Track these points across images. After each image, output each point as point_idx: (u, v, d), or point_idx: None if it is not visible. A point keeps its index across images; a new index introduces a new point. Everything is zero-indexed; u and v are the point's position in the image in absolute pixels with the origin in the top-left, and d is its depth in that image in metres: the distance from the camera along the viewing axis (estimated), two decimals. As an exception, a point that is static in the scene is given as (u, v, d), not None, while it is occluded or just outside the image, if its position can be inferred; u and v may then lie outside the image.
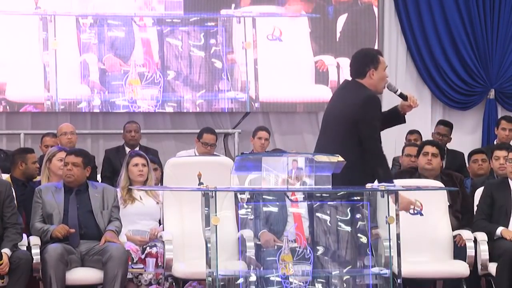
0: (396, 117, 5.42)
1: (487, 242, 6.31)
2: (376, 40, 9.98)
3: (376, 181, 5.00)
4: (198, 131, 8.66)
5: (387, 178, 5.02)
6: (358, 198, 4.95)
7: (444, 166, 8.09)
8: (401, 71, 10.17)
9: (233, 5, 9.77)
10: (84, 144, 9.41)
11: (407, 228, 5.78)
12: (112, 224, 6.25)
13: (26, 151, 7.22)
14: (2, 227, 5.99)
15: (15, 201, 6.13)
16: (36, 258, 5.93)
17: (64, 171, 6.32)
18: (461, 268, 6.20)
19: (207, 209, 4.64)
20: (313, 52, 9.84)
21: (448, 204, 6.62)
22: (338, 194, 4.97)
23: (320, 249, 4.95)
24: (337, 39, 9.89)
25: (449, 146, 9.12)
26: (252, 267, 4.94)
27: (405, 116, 5.50)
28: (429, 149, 6.99)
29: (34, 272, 5.93)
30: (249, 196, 4.88)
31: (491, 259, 6.25)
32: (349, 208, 4.98)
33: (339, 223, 5.00)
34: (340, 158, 4.72)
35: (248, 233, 5.18)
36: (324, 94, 9.83)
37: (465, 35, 9.99)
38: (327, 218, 5.00)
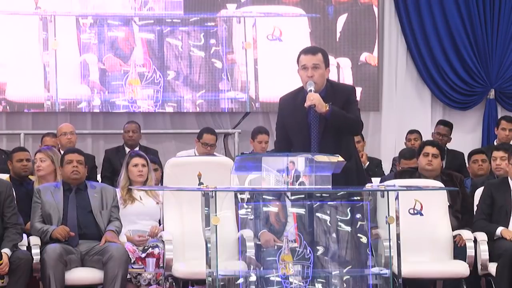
0: None
1: (487, 242, 6.31)
2: (376, 40, 9.98)
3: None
4: (198, 131, 8.66)
5: None
6: (358, 198, 4.95)
7: (444, 166, 8.09)
8: (401, 71, 10.17)
9: (233, 5, 9.79)
10: (84, 144, 9.42)
11: (407, 228, 5.79)
12: (112, 224, 6.26)
13: (14, 150, 7.30)
14: (3, 227, 5.99)
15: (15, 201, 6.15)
16: (36, 258, 5.93)
17: (69, 169, 6.33)
18: (461, 268, 6.20)
19: (207, 209, 4.64)
20: (313, 52, 9.82)
21: (448, 204, 6.62)
22: (338, 194, 4.97)
23: (320, 249, 4.95)
24: (337, 39, 9.90)
25: (449, 146, 9.12)
26: (252, 267, 4.94)
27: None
28: (430, 149, 6.99)
29: (34, 272, 5.94)
30: (249, 196, 4.88)
31: (491, 259, 6.25)
32: (349, 208, 4.98)
33: (339, 223, 5.00)
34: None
35: (248, 233, 5.17)
36: (324, 94, 9.83)
37: (465, 35, 10.00)
38: (327, 218, 5.00)
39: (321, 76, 5.41)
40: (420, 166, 7.02)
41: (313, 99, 5.22)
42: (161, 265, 6.22)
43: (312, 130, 5.37)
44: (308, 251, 4.85)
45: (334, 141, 5.32)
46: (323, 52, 5.51)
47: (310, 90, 5.28)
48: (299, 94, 5.46)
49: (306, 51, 5.52)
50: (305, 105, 5.25)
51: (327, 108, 5.23)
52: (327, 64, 5.48)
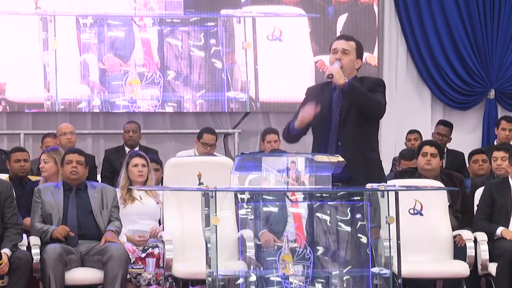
0: None
1: (487, 242, 6.31)
2: (376, 40, 9.98)
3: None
4: (198, 131, 8.66)
5: None
6: (358, 198, 4.95)
7: (444, 166, 8.09)
8: (401, 71, 10.17)
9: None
10: (84, 144, 9.42)
11: (407, 228, 5.79)
12: (112, 224, 6.26)
13: (12, 150, 7.33)
14: (3, 227, 5.99)
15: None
16: (36, 258, 5.93)
17: (68, 169, 6.34)
18: (461, 268, 6.20)
19: (207, 209, 4.64)
20: (313, 52, 9.84)
21: (448, 204, 6.62)
22: (338, 194, 4.96)
23: (320, 249, 4.95)
24: (337, 39, 9.88)
25: (449, 146, 9.12)
26: (252, 267, 4.94)
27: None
28: (428, 149, 6.99)
29: (34, 272, 5.94)
30: (249, 196, 4.88)
31: (491, 259, 6.25)
32: (349, 208, 4.98)
33: (339, 223, 5.00)
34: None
35: (248, 233, 5.17)
36: (324, 94, 9.83)
37: (465, 35, 10.00)
38: (327, 218, 5.00)
39: (350, 62, 5.29)
40: (419, 166, 7.03)
41: (332, 69, 5.16)
42: (161, 265, 6.22)
43: (333, 116, 5.27)
44: (308, 251, 4.84)
45: (355, 129, 5.22)
46: (358, 42, 5.38)
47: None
48: (327, 85, 5.37)
49: (339, 37, 5.44)
50: (325, 75, 5.19)
51: (345, 80, 5.15)
52: (359, 55, 5.36)
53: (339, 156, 4.79)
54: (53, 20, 9.51)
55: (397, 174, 7.34)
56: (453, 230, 6.51)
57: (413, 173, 7.05)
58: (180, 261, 5.98)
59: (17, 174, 7.09)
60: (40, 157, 7.04)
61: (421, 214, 6.46)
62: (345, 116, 5.24)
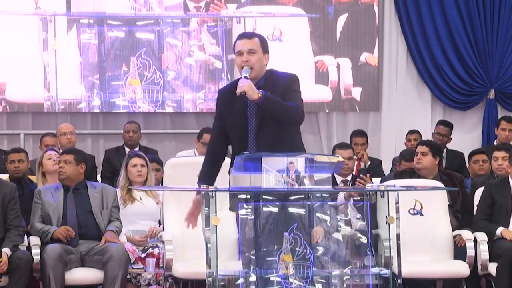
0: None
1: (487, 242, 6.31)
2: (376, 40, 9.98)
3: None
4: (198, 131, 8.66)
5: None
6: (358, 198, 4.95)
7: (444, 166, 8.09)
8: (401, 71, 10.17)
9: (233, 5, 9.79)
10: (84, 144, 9.42)
11: (407, 228, 5.80)
12: (112, 224, 6.26)
13: (10, 151, 7.31)
14: (5, 229, 6.00)
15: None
16: (36, 258, 5.94)
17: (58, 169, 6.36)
18: (461, 268, 6.21)
19: (207, 209, 4.64)
20: (313, 52, 9.83)
21: (448, 204, 6.62)
22: (338, 194, 4.96)
23: (320, 249, 4.95)
24: (337, 39, 9.89)
25: (449, 146, 9.12)
26: (252, 267, 4.93)
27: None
28: (418, 148, 7.01)
29: (34, 272, 5.94)
30: (249, 196, 4.87)
31: (491, 259, 6.25)
32: (349, 208, 4.98)
33: (339, 223, 5.00)
34: None
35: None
36: (324, 94, 9.84)
37: (465, 35, 9.99)
38: (327, 218, 4.99)
39: (258, 61, 5.09)
40: (414, 166, 7.04)
41: (243, 85, 4.92)
42: (161, 265, 6.22)
43: (249, 123, 5.06)
44: (308, 251, 4.84)
45: (273, 134, 5.03)
46: (261, 37, 5.17)
47: (246, 77, 4.97)
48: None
49: (241, 36, 5.14)
50: (237, 92, 4.94)
51: (259, 94, 4.93)
52: (265, 49, 5.15)
53: None
54: (53, 20, 9.51)
55: (397, 174, 7.34)
56: (453, 230, 6.52)
57: (413, 173, 7.05)
58: (180, 261, 5.99)
59: (12, 175, 7.08)
60: (43, 158, 6.95)
61: (421, 214, 6.46)
62: (261, 122, 5.05)
